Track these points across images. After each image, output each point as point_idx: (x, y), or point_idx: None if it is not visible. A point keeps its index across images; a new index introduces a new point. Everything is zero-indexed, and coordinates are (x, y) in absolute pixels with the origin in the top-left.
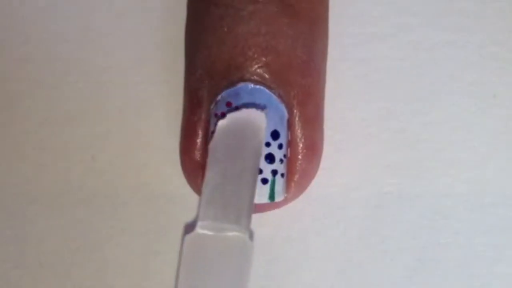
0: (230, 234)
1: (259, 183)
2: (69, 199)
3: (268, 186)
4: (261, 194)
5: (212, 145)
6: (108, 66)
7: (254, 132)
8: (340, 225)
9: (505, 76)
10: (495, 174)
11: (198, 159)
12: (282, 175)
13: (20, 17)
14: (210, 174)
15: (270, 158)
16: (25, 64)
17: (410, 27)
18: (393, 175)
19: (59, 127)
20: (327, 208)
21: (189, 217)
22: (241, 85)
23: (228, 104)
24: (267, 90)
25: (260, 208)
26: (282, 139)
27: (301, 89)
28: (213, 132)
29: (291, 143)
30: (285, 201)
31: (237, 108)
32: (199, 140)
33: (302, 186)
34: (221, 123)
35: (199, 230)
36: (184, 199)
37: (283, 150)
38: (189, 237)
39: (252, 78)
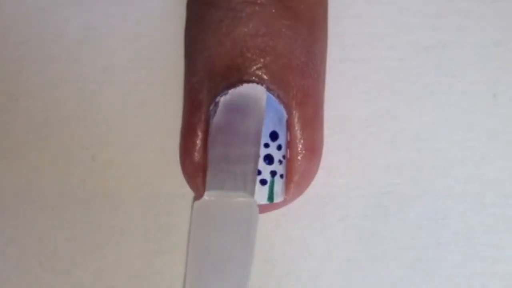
0: (237, 200)
1: (258, 184)
2: (69, 199)
3: (267, 187)
4: (260, 195)
5: (215, 119)
6: (108, 66)
7: (256, 102)
8: (340, 225)
9: (505, 76)
10: (495, 174)
11: (198, 160)
12: (281, 176)
13: (20, 17)
14: (215, 147)
15: (269, 159)
16: (25, 64)
17: (410, 27)
18: (393, 175)
19: (59, 127)
20: (327, 208)
21: (189, 217)
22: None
23: None
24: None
25: (259, 209)
26: (281, 140)
27: (300, 89)
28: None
29: (290, 144)
30: (284, 202)
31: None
32: (199, 141)
33: (301, 187)
34: (224, 98)
35: (206, 197)
36: (184, 199)
37: (282, 151)
38: (197, 203)
39: (251, 79)
